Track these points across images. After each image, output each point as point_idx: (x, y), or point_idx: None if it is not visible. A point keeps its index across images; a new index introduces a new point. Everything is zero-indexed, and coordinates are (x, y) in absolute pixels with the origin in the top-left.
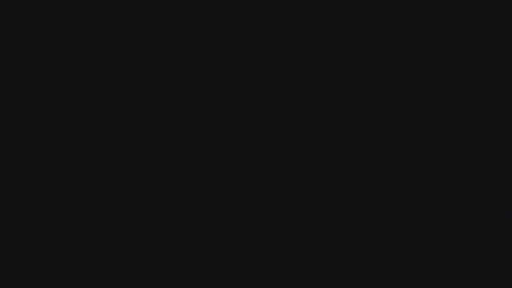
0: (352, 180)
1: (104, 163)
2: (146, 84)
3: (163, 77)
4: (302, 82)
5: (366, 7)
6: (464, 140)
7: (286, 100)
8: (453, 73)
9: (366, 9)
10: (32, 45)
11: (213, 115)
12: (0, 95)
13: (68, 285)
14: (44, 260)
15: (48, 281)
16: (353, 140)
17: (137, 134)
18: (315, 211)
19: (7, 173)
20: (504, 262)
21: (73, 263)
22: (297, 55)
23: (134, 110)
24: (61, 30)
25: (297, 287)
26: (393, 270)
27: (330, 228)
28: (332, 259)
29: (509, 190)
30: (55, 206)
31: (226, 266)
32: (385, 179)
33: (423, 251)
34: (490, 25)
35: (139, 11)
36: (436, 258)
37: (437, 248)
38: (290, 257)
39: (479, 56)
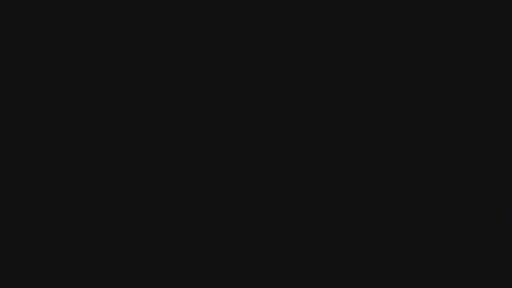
0: (352, 180)
1: (104, 163)
2: (146, 84)
3: (163, 77)
4: (302, 82)
5: (366, 7)
6: (464, 140)
7: (286, 100)
8: (453, 73)
9: (366, 9)
10: (32, 45)
11: (213, 115)
12: (0, 95)
13: (68, 285)
14: (44, 260)
15: (48, 281)
16: (353, 140)
17: (137, 134)
18: (315, 211)
19: (7, 173)
20: (504, 262)
21: (73, 263)
22: (297, 55)
23: (134, 110)
24: (61, 30)
25: (297, 287)
26: (393, 270)
27: (330, 228)
28: (332, 259)
29: (509, 190)
30: (55, 206)
31: (226, 266)
32: (385, 179)
33: (423, 251)
34: (490, 25)
35: (139, 11)
36: (436, 258)
37: (437, 248)
38: (290, 257)
39: (479, 56)
